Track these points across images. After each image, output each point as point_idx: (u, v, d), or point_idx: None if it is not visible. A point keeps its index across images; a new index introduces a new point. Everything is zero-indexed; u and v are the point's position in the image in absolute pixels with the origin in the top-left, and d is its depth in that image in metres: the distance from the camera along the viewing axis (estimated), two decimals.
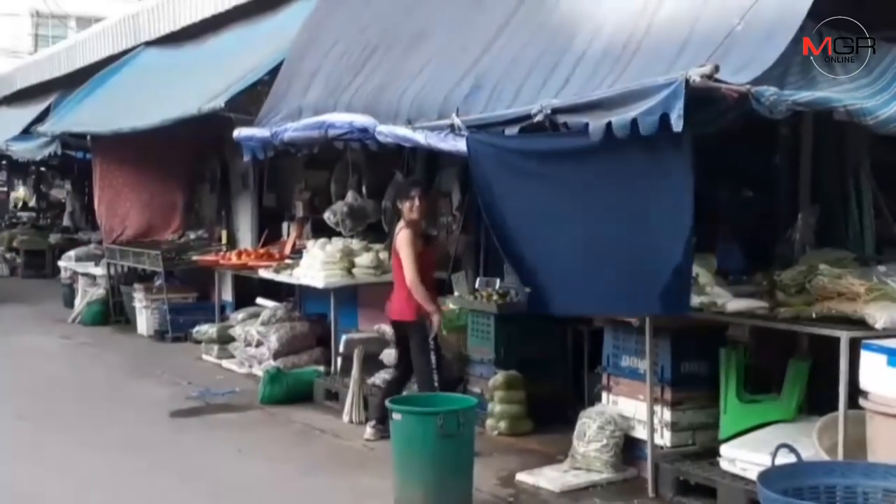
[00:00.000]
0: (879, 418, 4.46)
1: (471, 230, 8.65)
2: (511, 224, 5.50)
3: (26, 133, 15.24)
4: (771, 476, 3.77)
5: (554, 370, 7.44)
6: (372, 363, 7.96)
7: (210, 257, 11.28)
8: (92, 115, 12.95)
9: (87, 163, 14.61)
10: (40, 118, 15.30)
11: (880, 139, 5.30)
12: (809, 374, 5.57)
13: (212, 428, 7.71)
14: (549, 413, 7.16)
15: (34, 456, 6.92)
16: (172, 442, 7.31)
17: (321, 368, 8.81)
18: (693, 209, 4.65)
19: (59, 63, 16.53)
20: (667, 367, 5.92)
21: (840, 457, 4.74)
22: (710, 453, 5.67)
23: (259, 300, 10.38)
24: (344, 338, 8.54)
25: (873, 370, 4.49)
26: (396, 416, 5.55)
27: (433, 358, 6.74)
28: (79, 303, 13.34)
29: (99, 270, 13.24)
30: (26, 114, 16.50)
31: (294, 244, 10.43)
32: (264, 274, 9.81)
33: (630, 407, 6.14)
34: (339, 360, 8.50)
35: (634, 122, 4.50)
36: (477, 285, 7.88)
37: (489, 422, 7.11)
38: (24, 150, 15.03)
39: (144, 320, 11.93)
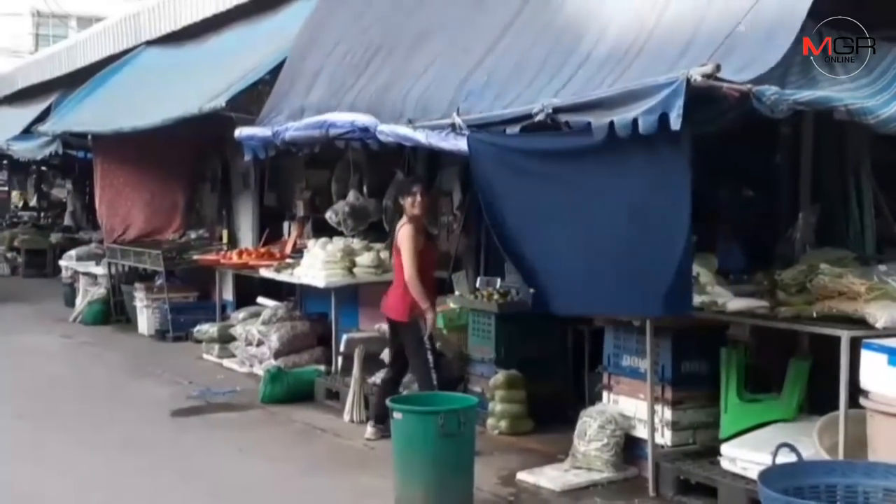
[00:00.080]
0: (880, 417, 4.47)
1: (472, 229, 8.64)
2: (512, 223, 5.51)
3: (27, 132, 15.22)
4: (771, 475, 3.77)
5: (555, 369, 7.44)
6: (373, 362, 7.94)
7: (211, 257, 11.27)
8: (93, 114, 12.95)
9: (88, 162, 14.61)
10: (41, 118, 15.28)
11: (881, 138, 5.30)
12: (810, 373, 5.57)
13: (212, 427, 7.71)
14: (550, 412, 7.16)
15: (34, 455, 6.91)
16: (173, 441, 7.30)
17: (322, 368, 8.81)
18: (691, 208, 4.64)
19: (59, 62, 16.54)
20: (667, 366, 5.92)
21: (840, 456, 4.74)
22: (711, 452, 5.67)
23: (260, 299, 10.37)
24: (345, 337, 8.54)
25: (874, 369, 4.50)
26: (397, 416, 5.54)
27: (430, 357, 6.73)
28: (80, 302, 13.34)
29: (100, 270, 13.24)
30: (27, 113, 16.49)
31: (295, 243, 10.43)
32: (265, 273, 9.81)
33: (631, 406, 6.14)
34: (340, 359, 8.49)
35: (636, 121, 4.51)
36: (478, 284, 7.89)
37: (490, 421, 7.11)
38: (24, 150, 15.02)
39: (145, 320, 11.93)
